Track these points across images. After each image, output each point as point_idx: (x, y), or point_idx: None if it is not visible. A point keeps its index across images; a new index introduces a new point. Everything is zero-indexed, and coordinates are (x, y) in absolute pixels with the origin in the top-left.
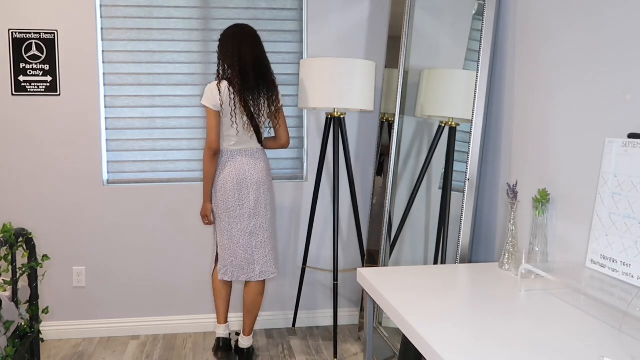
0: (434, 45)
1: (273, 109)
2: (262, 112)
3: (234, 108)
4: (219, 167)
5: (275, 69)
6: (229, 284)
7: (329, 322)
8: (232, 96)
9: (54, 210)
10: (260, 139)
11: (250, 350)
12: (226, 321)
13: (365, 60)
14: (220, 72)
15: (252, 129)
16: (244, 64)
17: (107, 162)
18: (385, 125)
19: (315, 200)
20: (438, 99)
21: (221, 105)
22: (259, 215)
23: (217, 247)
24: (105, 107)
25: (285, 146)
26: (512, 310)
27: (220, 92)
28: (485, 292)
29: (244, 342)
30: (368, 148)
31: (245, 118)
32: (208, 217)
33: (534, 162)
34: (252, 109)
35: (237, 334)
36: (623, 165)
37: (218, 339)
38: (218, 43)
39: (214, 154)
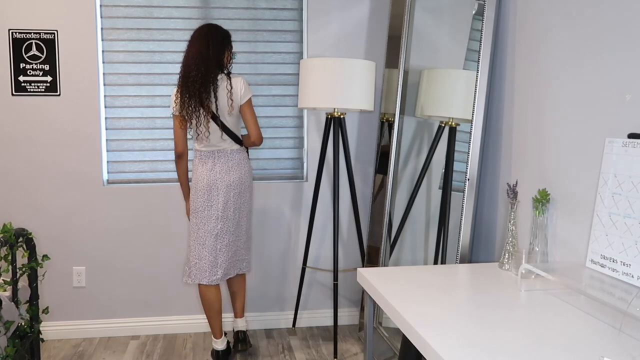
0: (434, 45)
1: (233, 106)
2: (222, 110)
3: (190, 110)
4: (193, 169)
5: (275, 68)
6: (218, 297)
7: (329, 322)
8: (185, 99)
9: (54, 210)
10: (236, 139)
11: (246, 333)
12: (223, 334)
13: (365, 60)
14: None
15: (220, 129)
16: (187, 66)
17: (107, 162)
18: (385, 125)
19: (315, 200)
20: (438, 99)
21: (179, 109)
22: (227, 219)
23: (191, 251)
24: (105, 107)
25: (255, 143)
26: (511, 309)
27: (176, 97)
28: (485, 292)
29: (241, 324)
30: (368, 148)
31: (208, 119)
32: (188, 214)
33: (534, 162)
34: (213, 109)
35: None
36: (623, 165)
37: (217, 352)
38: None
39: (178, 158)
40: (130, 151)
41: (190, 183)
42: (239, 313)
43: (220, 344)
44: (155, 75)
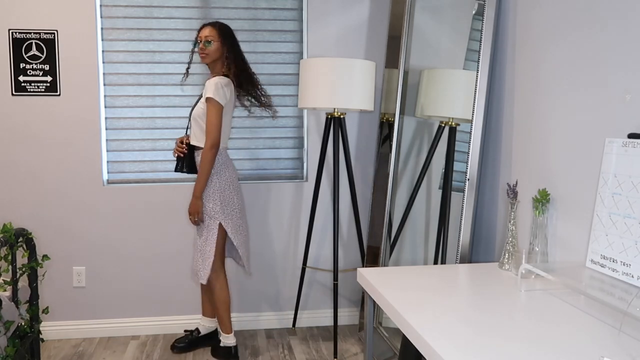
0: (434, 45)
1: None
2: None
3: (235, 106)
4: (224, 166)
5: (275, 69)
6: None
7: (329, 322)
8: (236, 94)
9: (54, 210)
10: None
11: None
12: None
13: (365, 60)
14: (227, 68)
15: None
16: (244, 62)
17: (107, 162)
18: (385, 125)
19: (315, 200)
20: (438, 99)
21: (229, 103)
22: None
23: (213, 252)
24: (105, 107)
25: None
26: (512, 310)
27: (232, 89)
28: (485, 292)
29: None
30: (368, 148)
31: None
32: (200, 214)
33: (534, 162)
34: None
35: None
36: (623, 165)
37: (231, 347)
38: (221, 37)
39: (217, 152)
40: (130, 151)
41: (221, 181)
42: (213, 313)
43: (233, 339)
44: (155, 75)
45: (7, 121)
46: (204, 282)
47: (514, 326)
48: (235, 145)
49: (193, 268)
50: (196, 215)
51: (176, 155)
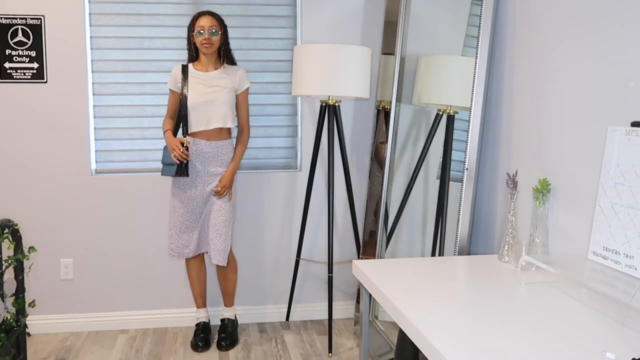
0: (431, 31)
1: None
2: None
3: None
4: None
5: (269, 55)
6: None
7: (324, 315)
8: None
9: (40, 200)
10: None
11: None
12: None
13: (361, 46)
14: (224, 56)
15: None
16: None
17: (96, 151)
18: (382, 113)
19: (309, 191)
20: (436, 86)
21: None
22: None
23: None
24: (94, 94)
25: None
26: (511, 303)
27: None
28: (484, 285)
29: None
30: (364, 137)
31: None
32: (231, 190)
33: (534, 151)
34: None
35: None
36: (626, 154)
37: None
38: (221, 26)
39: None
40: (119, 140)
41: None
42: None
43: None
44: (144, 62)
45: None
46: (226, 264)
47: (513, 319)
48: None
49: (215, 249)
50: (228, 190)
51: None
